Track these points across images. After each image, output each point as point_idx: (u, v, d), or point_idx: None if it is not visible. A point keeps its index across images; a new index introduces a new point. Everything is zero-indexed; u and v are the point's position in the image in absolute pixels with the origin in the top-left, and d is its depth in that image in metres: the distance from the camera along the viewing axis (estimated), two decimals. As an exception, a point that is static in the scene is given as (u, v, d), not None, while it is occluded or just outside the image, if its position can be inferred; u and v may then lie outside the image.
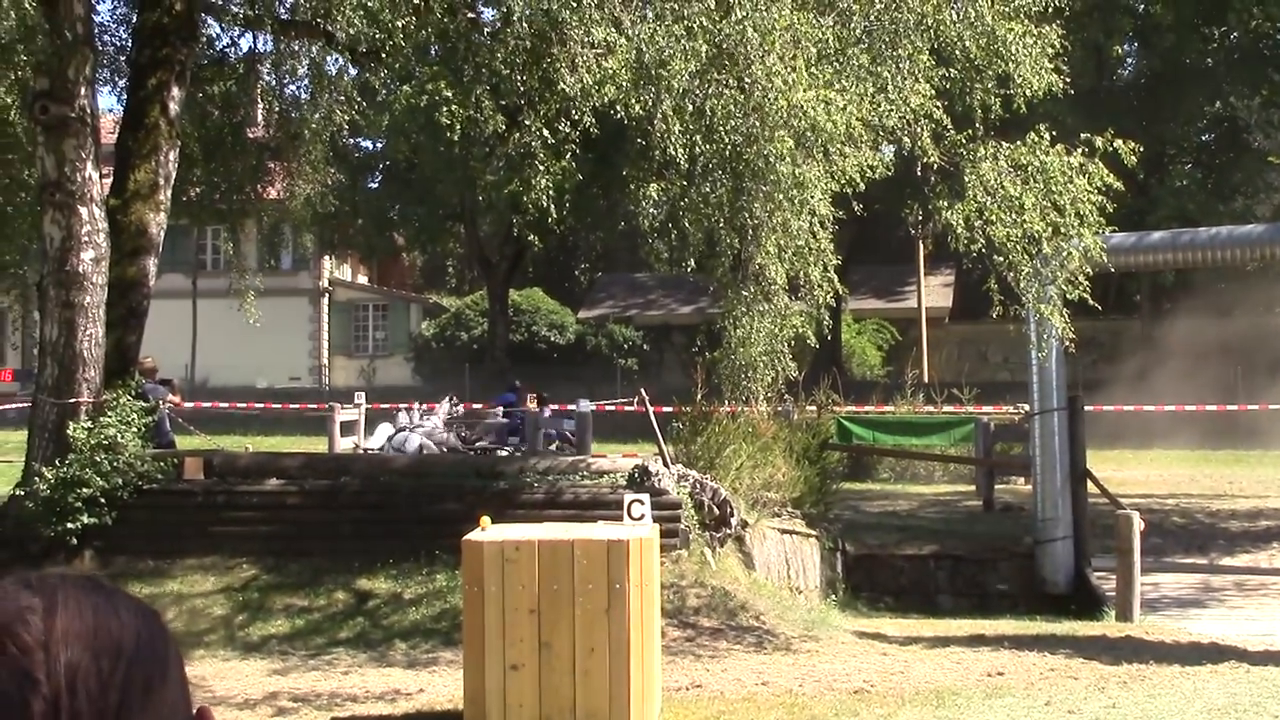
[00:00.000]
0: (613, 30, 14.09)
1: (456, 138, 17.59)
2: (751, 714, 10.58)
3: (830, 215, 14.94)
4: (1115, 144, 15.94)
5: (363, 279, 66.99)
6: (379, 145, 51.70)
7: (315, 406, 31.30)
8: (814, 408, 27.80)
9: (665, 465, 16.50)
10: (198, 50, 18.78)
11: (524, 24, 14.75)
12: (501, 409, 30.50)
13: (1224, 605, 19.31)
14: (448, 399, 30.52)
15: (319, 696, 11.57)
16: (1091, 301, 16.86)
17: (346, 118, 20.84)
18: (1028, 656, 13.72)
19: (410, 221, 51.31)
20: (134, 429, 16.15)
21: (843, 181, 14.66)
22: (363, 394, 32.76)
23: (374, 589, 14.88)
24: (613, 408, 32.47)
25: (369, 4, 15.91)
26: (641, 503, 10.58)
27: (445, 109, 17.67)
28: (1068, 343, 18.30)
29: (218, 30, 21.00)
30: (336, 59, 20.19)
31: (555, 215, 16.11)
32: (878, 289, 61.16)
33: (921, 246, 54.00)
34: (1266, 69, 41.98)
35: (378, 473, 16.70)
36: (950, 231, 15.76)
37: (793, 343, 16.01)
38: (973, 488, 28.56)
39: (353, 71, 21.20)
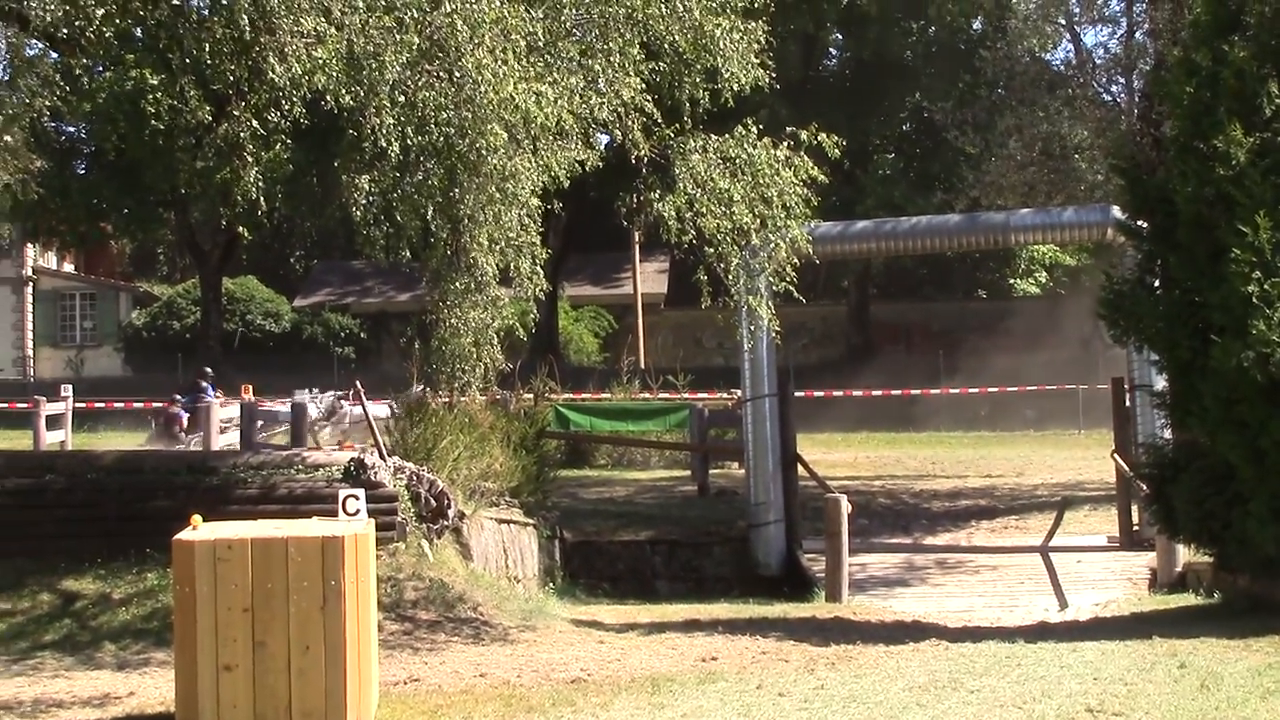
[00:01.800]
0: (323, 20, 13.88)
1: (163, 126, 17.12)
2: (469, 706, 10.59)
3: (540, 208, 15.01)
4: (819, 137, 16.32)
5: (69, 267, 64.88)
6: (85, 131, 50.09)
7: (26, 404, 30.20)
8: (531, 396, 27.90)
9: (381, 457, 16.39)
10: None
11: (231, 13, 14.42)
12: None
13: (926, 584, 20.00)
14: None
15: (22, 704, 11.18)
16: (796, 294, 17.28)
17: (48, 103, 20.11)
18: (741, 640, 14.00)
19: (119, 208, 49.72)
20: None
21: (554, 174, 14.72)
22: (70, 386, 31.76)
23: (81, 590, 14.45)
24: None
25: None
26: (356, 498, 10.50)
27: (150, 96, 17.17)
28: (774, 333, 18.70)
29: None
30: (35, 43, 19.48)
31: (265, 207, 15.81)
32: (594, 276, 61.52)
33: (636, 234, 54.49)
34: (959, 69, 43.37)
35: (85, 470, 16.21)
36: (662, 223, 15.94)
37: (503, 334, 16.05)
38: (688, 473, 28.99)
39: (54, 56, 20.47)
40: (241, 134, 14.93)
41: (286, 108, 14.44)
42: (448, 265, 15.53)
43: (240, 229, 19.52)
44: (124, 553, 14.84)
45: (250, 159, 15.22)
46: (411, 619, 14.26)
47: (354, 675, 9.62)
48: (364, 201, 16.10)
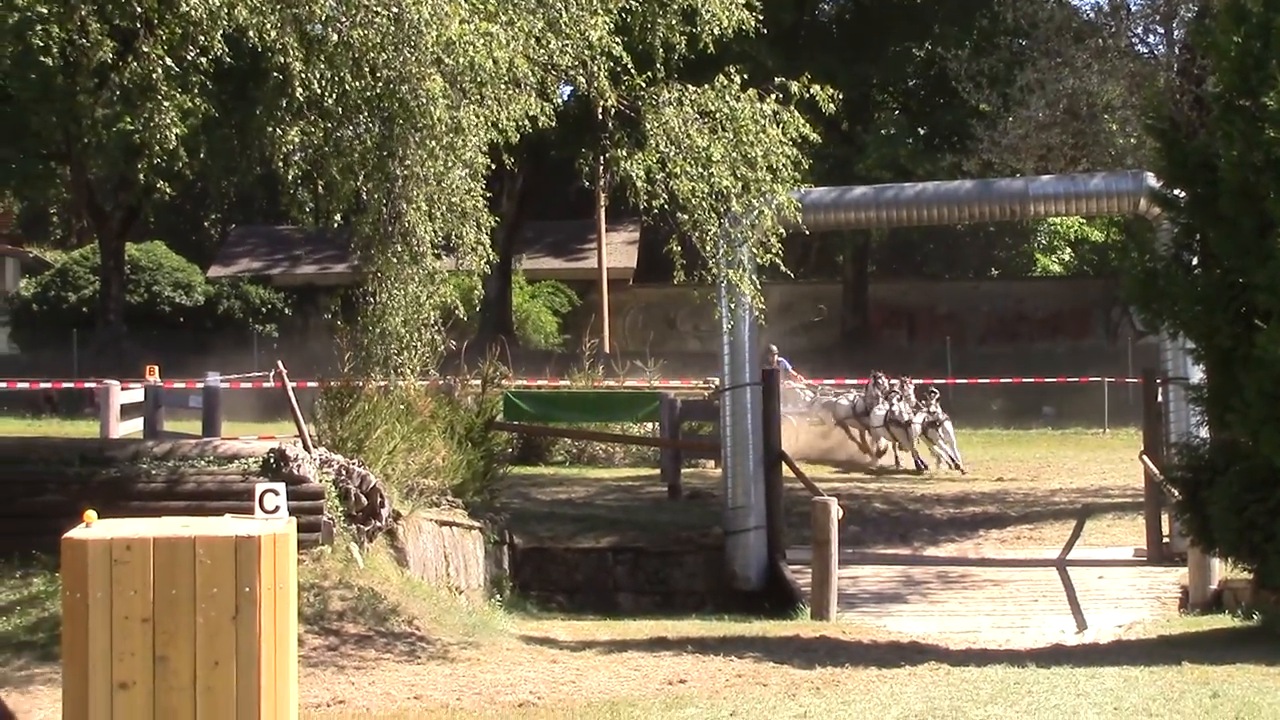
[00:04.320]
0: (243, -57, 13.82)
1: (57, 64, 16.96)
2: (401, 733, 10.63)
3: (488, 167, 14.98)
4: (812, 89, 16.30)
5: (-53, 230, 64.59)
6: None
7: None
8: (479, 382, 27.87)
9: (306, 449, 16.38)
10: None
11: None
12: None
13: (926, 600, 20.04)
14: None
15: (-114, 726, 11.19)
16: (784, 269, 17.30)
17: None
18: (713, 661, 14.05)
19: (4, 162, 49.33)
20: None
21: (504, 129, 14.67)
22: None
23: (-44, 597, 14.42)
24: (249, 384, 31.99)
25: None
26: (276, 493, 10.48)
27: (41, 29, 16.98)
28: (758, 313, 18.71)
29: None
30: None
31: (185, 158, 15.70)
32: (554, 247, 61.39)
33: (601, 199, 54.42)
34: (975, 14, 43.34)
35: (-38, 459, 16.19)
36: (629, 185, 15.93)
37: (441, 311, 16.01)
38: (657, 472, 28.95)
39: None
40: (154, 73, 14.81)
41: (205, 44, 14.33)
42: (381, 233, 15.47)
43: (160, 185, 19.14)
44: (6, 554, 14.78)
45: (166, 103, 15.07)
46: (337, 632, 14.26)
47: (269, 695, 9.62)
48: (294, 158, 16.01)
